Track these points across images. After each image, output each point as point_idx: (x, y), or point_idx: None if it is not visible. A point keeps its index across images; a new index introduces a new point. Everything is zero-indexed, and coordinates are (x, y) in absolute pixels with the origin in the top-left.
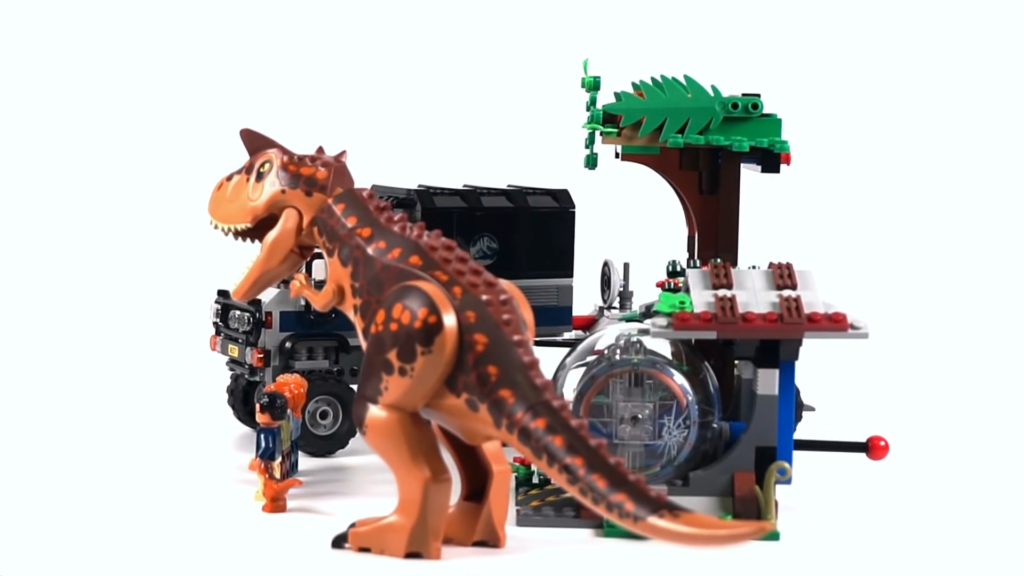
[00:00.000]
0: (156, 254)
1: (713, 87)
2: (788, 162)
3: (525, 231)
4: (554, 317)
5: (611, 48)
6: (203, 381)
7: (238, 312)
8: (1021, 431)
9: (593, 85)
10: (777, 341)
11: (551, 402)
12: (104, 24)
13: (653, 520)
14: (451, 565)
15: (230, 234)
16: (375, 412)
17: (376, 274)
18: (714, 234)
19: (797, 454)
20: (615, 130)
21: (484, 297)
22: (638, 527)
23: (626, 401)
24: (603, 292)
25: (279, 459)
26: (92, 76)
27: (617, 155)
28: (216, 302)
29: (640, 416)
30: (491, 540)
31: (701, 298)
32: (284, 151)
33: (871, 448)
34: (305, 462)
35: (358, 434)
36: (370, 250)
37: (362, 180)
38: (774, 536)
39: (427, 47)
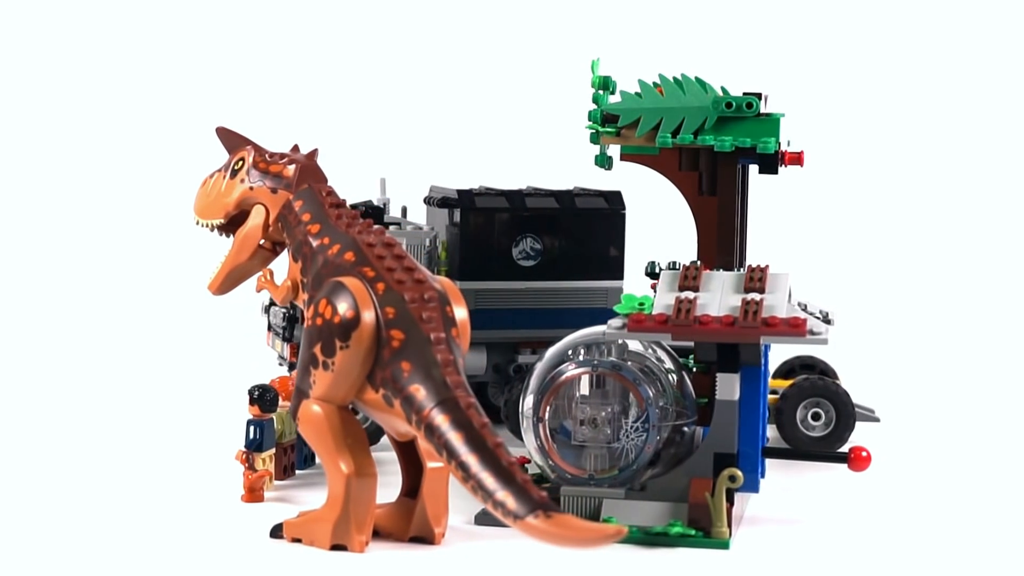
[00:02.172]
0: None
1: (709, 86)
2: (801, 163)
3: (572, 232)
4: (602, 320)
5: (650, 49)
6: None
7: (275, 308)
8: (1012, 443)
9: (600, 85)
10: (737, 345)
11: (458, 400)
12: (129, 28)
13: (529, 520)
14: (371, 557)
15: (215, 231)
16: (305, 405)
17: (318, 270)
18: (714, 235)
19: (786, 464)
20: (615, 130)
21: (406, 295)
22: (517, 526)
23: (585, 403)
24: None
25: (268, 451)
26: (133, 83)
27: None
28: (270, 299)
29: (597, 418)
30: (426, 536)
31: (662, 300)
32: (257, 149)
33: (852, 459)
34: None
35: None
36: (315, 246)
37: (423, 180)
38: (723, 545)
39: (498, 53)
